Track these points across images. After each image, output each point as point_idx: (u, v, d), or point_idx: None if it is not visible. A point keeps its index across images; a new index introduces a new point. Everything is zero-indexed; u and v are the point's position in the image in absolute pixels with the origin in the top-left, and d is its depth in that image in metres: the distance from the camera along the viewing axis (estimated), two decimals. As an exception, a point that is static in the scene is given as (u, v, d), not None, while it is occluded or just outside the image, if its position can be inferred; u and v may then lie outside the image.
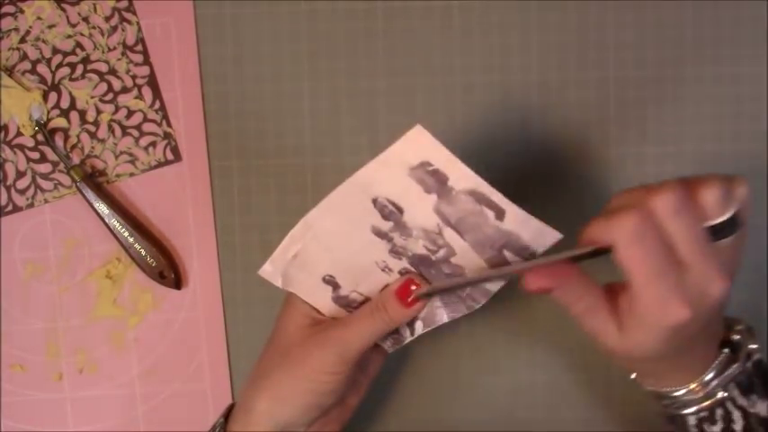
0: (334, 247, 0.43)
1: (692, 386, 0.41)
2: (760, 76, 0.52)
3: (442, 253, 0.42)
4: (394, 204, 0.41)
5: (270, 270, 0.44)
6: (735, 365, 0.41)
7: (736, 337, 0.43)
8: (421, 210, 0.41)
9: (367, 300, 0.45)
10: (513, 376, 0.53)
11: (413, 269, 0.44)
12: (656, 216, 0.36)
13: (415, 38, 0.52)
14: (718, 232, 0.38)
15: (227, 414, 0.46)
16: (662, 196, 0.36)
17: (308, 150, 0.53)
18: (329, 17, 0.52)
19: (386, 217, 0.42)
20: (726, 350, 0.42)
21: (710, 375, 0.41)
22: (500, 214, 0.40)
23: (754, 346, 0.42)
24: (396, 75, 0.52)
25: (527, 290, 0.39)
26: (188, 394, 0.54)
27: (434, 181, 0.40)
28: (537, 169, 0.53)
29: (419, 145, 0.39)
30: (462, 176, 0.39)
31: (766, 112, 0.52)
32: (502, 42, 0.52)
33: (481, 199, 0.40)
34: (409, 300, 0.43)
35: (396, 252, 0.43)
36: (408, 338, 0.46)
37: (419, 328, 0.45)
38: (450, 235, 0.41)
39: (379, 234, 0.43)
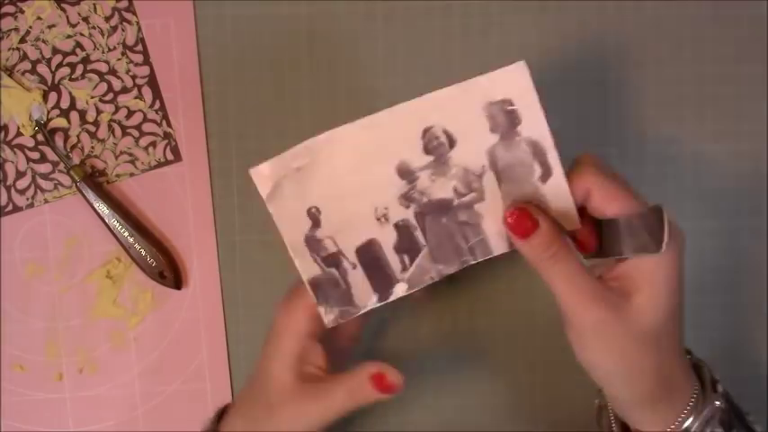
0: (341, 177, 0.41)
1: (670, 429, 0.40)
2: (760, 75, 0.52)
3: (468, 198, 0.41)
4: (449, 136, 0.40)
5: (265, 173, 0.41)
6: (709, 406, 0.40)
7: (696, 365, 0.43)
8: (474, 147, 0.40)
9: (337, 255, 0.42)
10: (512, 376, 0.53)
11: (413, 221, 0.42)
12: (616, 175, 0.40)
13: (415, 38, 0.52)
14: None
15: (221, 413, 0.47)
16: (604, 164, 0.40)
17: (308, 150, 0.53)
18: (329, 17, 0.52)
19: (429, 150, 0.41)
20: (696, 387, 0.41)
21: (689, 421, 0.40)
22: (546, 175, 0.40)
23: (716, 377, 0.42)
24: (396, 75, 0.52)
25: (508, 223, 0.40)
26: (188, 394, 0.54)
27: (506, 121, 0.40)
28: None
29: (512, 82, 0.39)
30: (536, 125, 0.39)
31: (766, 112, 0.52)
32: (502, 42, 0.52)
33: (538, 153, 0.40)
34: (386, 384, 0.42)
35: (408, 197, 0.41)
36: (371, 306, 0.43)
37: (400, 290, 0.43)
38: (488, 179, 0.41)
39: (404, 172, 0.41)
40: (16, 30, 0.52)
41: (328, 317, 0.43)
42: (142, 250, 0.52)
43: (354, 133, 0.40)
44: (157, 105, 0.53)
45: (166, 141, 0.53)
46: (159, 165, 0.53)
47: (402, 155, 0.41)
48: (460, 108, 0.39)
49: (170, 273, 0.52)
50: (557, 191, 0.40)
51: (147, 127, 0.53)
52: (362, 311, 0.43)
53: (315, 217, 0.42)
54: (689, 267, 0.53)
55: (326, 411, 0.43)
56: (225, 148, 0.53)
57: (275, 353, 0.44)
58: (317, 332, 0.43)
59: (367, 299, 0.43)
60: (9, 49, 0.52)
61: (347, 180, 0.41)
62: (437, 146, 0.40)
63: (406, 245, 0.42)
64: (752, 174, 0.53)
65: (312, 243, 0.42)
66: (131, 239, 0.52)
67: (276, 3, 0.52)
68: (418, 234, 0.42)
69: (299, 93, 0.53)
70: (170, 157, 0.53)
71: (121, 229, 0.52)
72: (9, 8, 0.52)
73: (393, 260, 0.42)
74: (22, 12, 0.52)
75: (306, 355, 0.43)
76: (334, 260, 0.42)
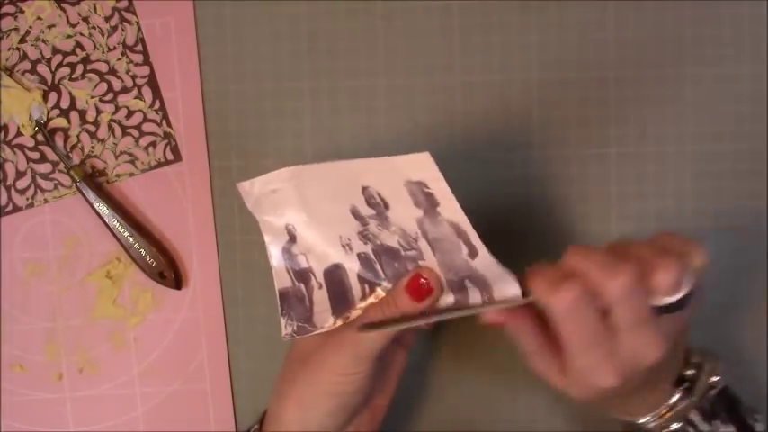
0: (309, 204, 0.43)
1: (646, 418, 0.43)
2: (760, 76, 0.52)
3: (412, 253, 0.43)
4: (382, 199, 0.42)
5: (247, 189, 0.44)
6: (687, 400, 0.43)
7: (690, 372, 0.44)
8: (405, 215, 0.42)
9: (307, 271, 0.44)
10: (513, 376, 0.53)
11: (372, 256, 0.44)
12: (605, 296, 0.37)
13: (415, 38, 0.52)
14: (666, 309, 0.38)
15: (262, 419, 0.47)
16: (615, 281, 0.37)
17: (308, 150, 0.53)
18: (329, 17, 0.52)
19: (370, 205, 0.42)
20: (683, 387, 0.43)
21: (664, 410, 0.43)
22: (473, 254, 0.41)
23: (716, 378, 0.44)
24: (396, 75, 0.52)
25: (483, 321, 0.41)
26: (188, 394, 0.54)
27: (426, 201, 0.41)
28: (537, 169, 0.53)
29: (423, 168, 0.40)
30: (452, 210, 0.40)
31: (766, 112, 0.52)
32: (502, 42, 0.52)
33: (461, 234, 0.41)
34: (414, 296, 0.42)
35: (364, 236, 0.43)
36: (327, 328, 0.44)
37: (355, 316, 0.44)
38: (424, 245, 0.42)
39: (357, 215, 0.43)
40: (16, 30, 0.52)
41: (286, 330, 0.45)
42: (142, 250, 0.52)
43: (312, 173, 0.42)
44: (157, 105, 0.53)
45: (166, 141, 0.53)
46: (159, 165, 0.53)
47: (352, 201, 0.43)
48: (387, 179, 0.41)
49: (170, 273, 0.52)
50: (487, 266, 0.41)
51: (147, 127, 0.53)
52: (317, 332, 0.44)
53: (291, 233, 0.44)
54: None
55: (364, 334, 0.41)
56: (225, 148, 0.53)
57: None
58: None
59: (324, 321, 0.44)
60: (9, 49, 0.52)
61: (316, 208, 0.43)
62: (374, 204, 0.42)
63: (369, 275, 0.44)
64: (752, 174, 0.53)
65: (288, 255, 0.44)
66: (131, 239, 0.52)
67: (276, 3, 0.52)
68: (378, 267, 0.44)
69: (299, 93, 0.53)
70: (170, 157, 0.53)
71: (121, 229, 0.52)
72: (9, 8, 0.52)
73: (355, 287, 0.44)
74: (22, 12, 0.52)
75: None
76: (304, 276, 0.45)
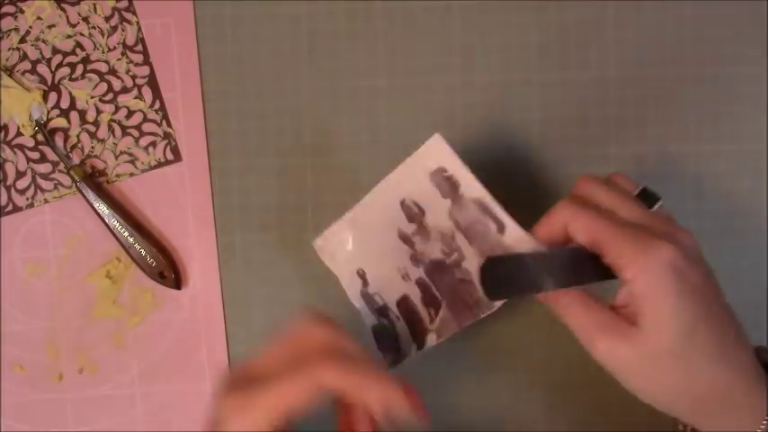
0: (369, 245, 0.47)
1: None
2: (760, 76, 0.52)
3: (454, 257, 0.44)
4: (417, 206, 0.45)
5: (321, 245, 0.48)
6: None
7: None
8: (439, 213, 0.44)
9: (385, 308, 0.47)
10: (513, 376, 0.53)
11: (427, 280, 0.46)
12: (593, 196, 0.40)
13: (415, 38, 0.52)
14: (645, 200, 0.42)
15: None
16: (589, 182, 0.41)
17: (308, 150, 0.53)
18: (329, 17, 0.52)
19: (411, 218, 0.46)
20: None
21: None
22: (501, 228, 0.42)
23: None
24: (396, 75, 0.52)
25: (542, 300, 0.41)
26: (188, 394, 0.54)
27: (449, 186, 0.44)
28: (537, 169, 0.53)
29: (437, 153, 0.44)
30: (472, 186, 0.43)
31: (766, 112, 0.52)
32: (502, 42, 0.52)
33: (485, 210, 0.43)
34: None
35: (415, 259, 0.46)
36: (414, 354, 0.46)
37: (432, 340, 0.45)
38: (461, 240, 0.44)
39: (404, 238, 0.46)
40: (16, 30, 0.52)
41: (387, 361, 0.47)
42: (142, 250, 0.52)
43: (363, 212, 0.47)
44: (157, 105, 0.53)
45: (166, 141, 0.53)
46: (159, 165, 0.53)
47: (397, 223, 0.46)
48: (414, 181, 0.45)
49: (170, 273, 0.52)
50: (517, 239, 0.42)
51: (147, 127, 0.53)
52: (406, 359, 0.46)
53: (363, 277, 0.48)
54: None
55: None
56: (225, 148, 0.53)
57: None
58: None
59: (409, 348, 0.46)
60: (9, 49, 0.52)
61: (374, 246, 0.47)
62: (414, 215, 0.46)
63: (429, 299, 0.46)
64: (752, 174, 0.53)
65: (366, 297, 0.48)
66: (131, 239, 0.52)
67: (276, 3, 0.52)
68: (434, 290, 0.45)
69: (299, 93, 0.53)
70: (170, 157, 0.53)
71: (121, 229, 0.52)
72: (9, 8, 0.52)
73: (423, 313, 0.46)
74: (22, 12, 0.52)
75: None
76: (384, 312, 0.48)
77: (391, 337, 0.47)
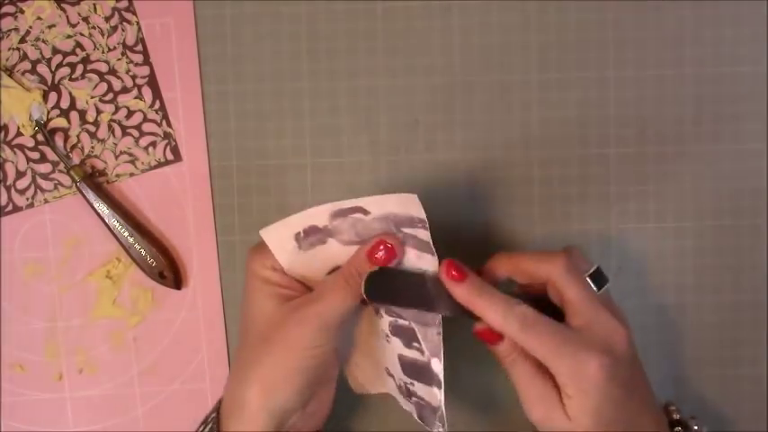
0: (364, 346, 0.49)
1: None
2: (760, 76, 0.52)
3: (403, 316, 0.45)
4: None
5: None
6: None
7: (677, 416, 0.47)
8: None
9: (401, 387, 0.46)
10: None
11: (389, 315, 0.46)
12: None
13: (415, 38, 0.52)
14: (596, 282, 0.44)
15: (218, 406, 0.45)
16: (556, 261, 0.44)
17: (308, 150, 0.53)
18: (329, 17, 0.52)
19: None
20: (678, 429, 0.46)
21: None
22: (363, 211, 0.43)
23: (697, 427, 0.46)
24: (396, 75, 0.52)
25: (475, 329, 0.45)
26: (188, 394, 0.54)
27: (321, 234, 0.44)
28: (537, 169, 0.53)
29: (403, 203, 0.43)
30: (317, 215, 0.44)
31: (766, 112, 0.53)
32: (502, 42, 0.52)
33: (344, 212, 0.44)
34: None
35: (387, 339, 0.46)
36: (441, 382, 0.45)
37: (437, 365, 0.45)
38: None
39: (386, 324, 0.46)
40: (16, 30, 0.52)
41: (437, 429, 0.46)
42: (142, 250, 0.52)
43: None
44: (157, 105, 0.53)
45: (166, 141, 0.53)
46: (159, 165, 0.53)
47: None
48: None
49: (170, 273, 0.52)
50: (379, 205, 0.43)
51: (147, 127, 0.53)
52: (441, 405, 0.44)
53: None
54: (690, 268, 0.53)
55: (328, 308, 0.43)
56: (225, 148, 0.53)
57: (255, 295, 0.45)
58: (279, 267, 0.45)
59: (433, 397, 0.45)
60: (9, 49, 0.52)
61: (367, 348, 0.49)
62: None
63: (406, 339, 0.45)
64: (752, 174, 0.53)
65: (402, 390, 0.47)
66: (131, 239, 0.52)
67: (276, 3, 0.52)
68: (401, 322, 0.45)
69: (299, 93, 0.53)
70: (170, 157, 0.53)
71: (121, 229, 0.52)
72: (9, 8, 0.52)
73: (413, 354, 0.45)
74: (22, 12, 0.52)
75: (278, 281, 0.45)
76: (407, 391, 0.46)
77: (422, 406, 0.46)
